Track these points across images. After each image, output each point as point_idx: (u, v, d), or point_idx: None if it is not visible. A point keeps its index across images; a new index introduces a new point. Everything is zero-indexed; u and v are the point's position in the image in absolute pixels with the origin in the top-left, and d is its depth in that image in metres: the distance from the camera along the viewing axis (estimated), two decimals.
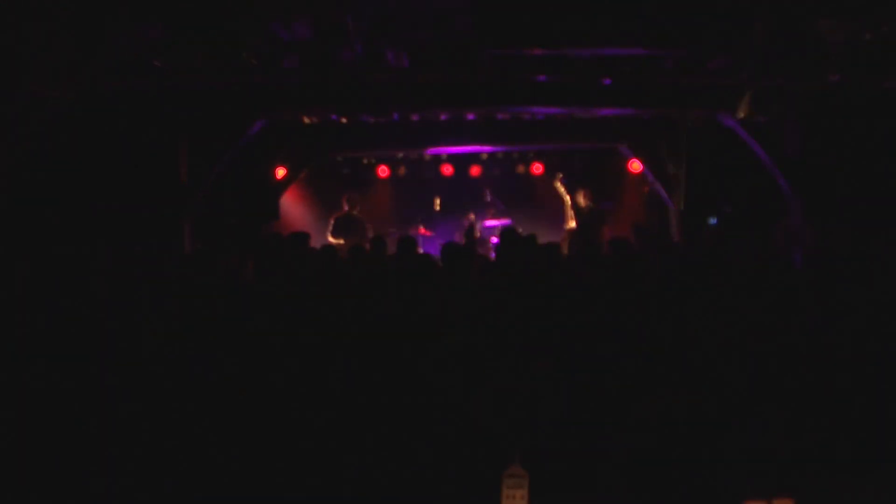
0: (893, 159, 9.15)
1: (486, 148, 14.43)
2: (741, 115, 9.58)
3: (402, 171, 15.38)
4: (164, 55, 8.04)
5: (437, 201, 15.14)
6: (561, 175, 14.41)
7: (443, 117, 12.24)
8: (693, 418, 5.15)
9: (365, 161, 15.38)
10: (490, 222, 14.68)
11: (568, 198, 13.68)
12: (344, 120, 12.20)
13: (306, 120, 12.08)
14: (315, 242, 9.68)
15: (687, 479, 4.70)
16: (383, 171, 15.33)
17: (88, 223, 8.50)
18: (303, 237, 8.36)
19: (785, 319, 5.62)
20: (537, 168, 15.37)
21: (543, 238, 11.24)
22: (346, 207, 13.48)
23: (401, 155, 15.13)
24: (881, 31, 7.80)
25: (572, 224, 13.27)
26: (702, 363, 5.40)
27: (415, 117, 12.13)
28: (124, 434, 5.06)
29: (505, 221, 14.35)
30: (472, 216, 14.27)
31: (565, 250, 10.38)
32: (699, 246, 9.61)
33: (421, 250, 9.97)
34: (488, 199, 14.90)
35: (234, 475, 4.91)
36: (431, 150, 14.43)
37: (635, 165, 14.50)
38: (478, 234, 13.99)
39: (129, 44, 7.68)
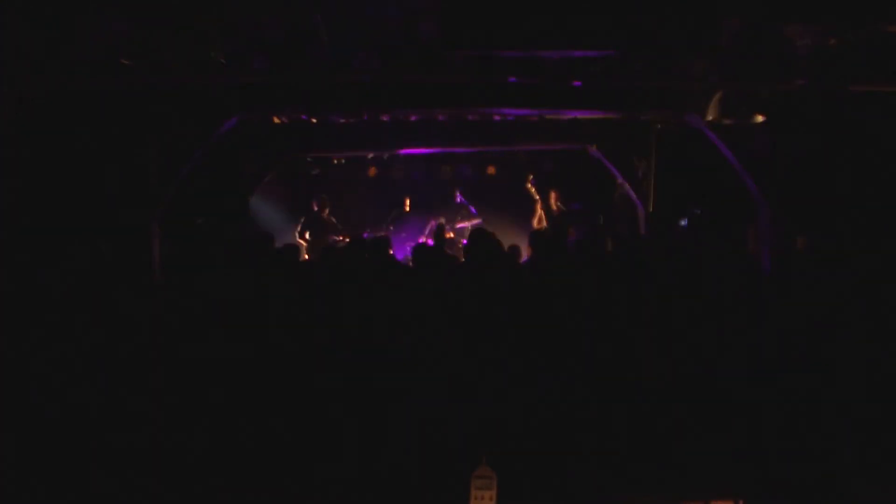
0: (860, 162, 9.24)
1: (457, 149, 14.41)
2: (710, 117, 9.65)
3: (371, 171, 15.37)
4: (132, 53, 7.96)
5: (407, 202, 15.11)
6: (531, 177, 14.47)
7: (413, 118, 12.22)
8: (661, 418, 5.17)
9: (335, 161, 15.35)
10: (460, 224, 14.67)
11: (539, 199, 13.73)
12: (314, 120, 12.14)
13: (277, 120, 12.01)
14: (283, 242, 9.65)
15: (656, 478, 4.73)
16: (370, 170, 15.30)
17: (55, 223, 8.41)
18: (266, 238, 8.32)
19: (752, 320, 5.66)
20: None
21: (513, 239, 11.29)
22: (315, 208, 13.47)
23: (370, 156, 15.10)
24: (847, 36, 7.88)
25: (542, 225, 13.29)
26: (670, 363, 5.42)
27: (385, 118, 12.11)
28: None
29: (475, 223, 14.34)
30: (435, 221, 14.19)
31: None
32: (668, 247, 9.64)
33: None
34: (458, 200, 14.88)
35: (200, 474, 4.88)
36: (402, 151, 14.40)
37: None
38: (449, 236, 13.97)
39: (96, 41, 7.60)
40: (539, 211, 13.86)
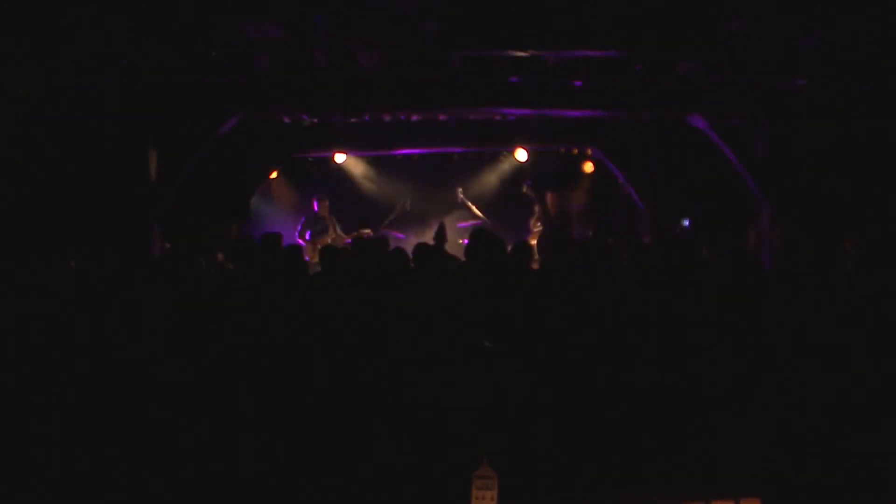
0: (861, 161, 9.24)
1: (457, 149, 14.41)
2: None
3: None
4: (132, 53, 7.97)
5: (408, 202, 15.08)
6: (528, 180, 14.47)
7: (414, 118, 12.22)
8: (663, 418, 5.17)
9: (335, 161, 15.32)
10: (461, 223, 14.65)
11: (537, 202, 13.72)
12: (315, 120, 12.15)
13: (278, 119, 12.01)
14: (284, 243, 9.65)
15: (656, 478, 4.72)
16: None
17: (55, 223, 8.41)
18: (275, 238, 8.29)
19: (753, 320, 5.65)
20: None
21: (514, 238, 11.27)
22: (315, 208, 13.48)
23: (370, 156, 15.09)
24: (849, 36, 7.89)
25: (539, 227, 13.30)
26: (672, 363, 5.42)
27: (386, 118, 12.11)
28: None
29: (476, 222, 14.31)
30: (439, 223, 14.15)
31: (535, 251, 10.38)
32: (670, 247, 9.64)
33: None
34: (459, 199, 14.86)
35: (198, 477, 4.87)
36: (402, 151, 14.39)
37: (588, 166, 14.77)
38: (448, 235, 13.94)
39: (97, 41, 7.60)
40: (537, 213, 13.84)
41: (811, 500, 4.26)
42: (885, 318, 5.44)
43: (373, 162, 15.18)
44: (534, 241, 13.07)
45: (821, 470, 4.55)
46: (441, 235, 12.53)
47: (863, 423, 4.88)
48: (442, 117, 12.31)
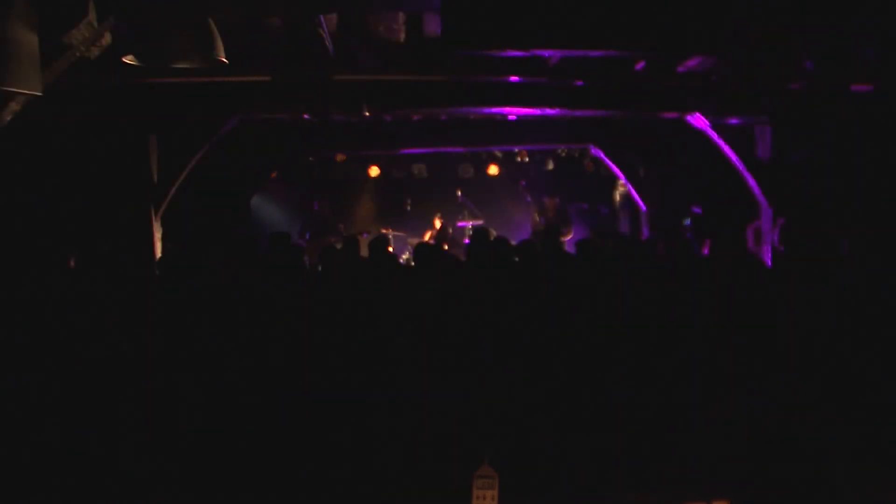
0: (861, 161, 9.24)
1: (457, 149, 14.42)
2: None
3: (376, 171, 15.32)
4: (133, 52, 7.95)
5: (408, 202, 15.11)
6: (523, 182, 14.50)
7: (415, 118, 12.22)
8: (656, 417, 5.17)
9: (337, 160, 15.33)
10: (461, 223, 14.66)
11: (533, 203, 13.75)
12: (315, 119, 12.13)
13: (278, 119, 12.00)
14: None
15: (656, 478, 4.72)
16: (374, 170, 15.18)
17: (55, 222, 8.41)
18: (284, 238, 8.28)
19: (754, 319, 5.65)
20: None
21: (514, 238, 11.27)
22: (316, 208, 13.49)
23: (374, 154, 15.10)
24: (850, 36, 7.88)
25: (537, 228, 13.33)
26: (673, 362, 5.42)
27: (387, 118, 12.10)
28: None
29: (476, 222, 14.33)
30: (437, 221, 14.16)
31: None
32: (670, 246, 9.64)
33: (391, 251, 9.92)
34: (459, 199, 14.87)
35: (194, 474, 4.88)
36: (403, 151, 14.40)
37: (588, 166, 14.78)
38: (449, 234, 13.97)
39: (97, 41, 7.58)
40: (535, 215, 13.87)
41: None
42: (885, 318, 5.44)
43: (373, 162, 15.19)
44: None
45: (811, 470, 4.56)
46: (441, 235, 12.53)
47: (863, 422, 4.89)
48: (442, 117, 12.30)
